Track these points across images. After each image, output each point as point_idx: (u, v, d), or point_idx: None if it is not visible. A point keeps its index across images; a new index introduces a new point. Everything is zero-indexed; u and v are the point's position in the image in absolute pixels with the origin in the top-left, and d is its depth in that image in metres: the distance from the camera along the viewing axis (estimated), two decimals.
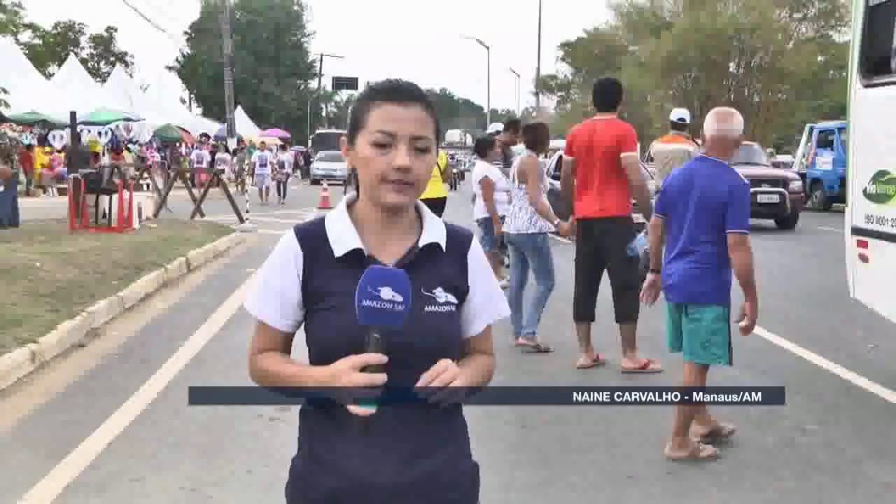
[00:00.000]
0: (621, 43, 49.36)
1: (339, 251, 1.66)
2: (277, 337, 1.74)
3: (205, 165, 24.77)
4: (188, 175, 23.09)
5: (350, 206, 1.74)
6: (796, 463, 4.46)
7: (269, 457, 4.32)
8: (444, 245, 1.72)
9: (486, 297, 1.78)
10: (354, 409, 1.52)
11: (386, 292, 1.50)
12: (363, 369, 1.52)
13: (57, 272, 8.55)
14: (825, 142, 23.36)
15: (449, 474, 1.71)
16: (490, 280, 1.81)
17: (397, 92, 1.65)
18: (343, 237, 1.67)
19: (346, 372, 1.52)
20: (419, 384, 1.55)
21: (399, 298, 1.51)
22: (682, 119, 10.13)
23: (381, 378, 1.51)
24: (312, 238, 1.70)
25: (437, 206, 12.24)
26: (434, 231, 1.72)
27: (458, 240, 1.76)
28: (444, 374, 1.56)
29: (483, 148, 9.18)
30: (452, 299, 1.70)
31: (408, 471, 1.64)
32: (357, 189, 1.75)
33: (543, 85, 60.25)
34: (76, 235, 12.07)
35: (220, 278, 10.47)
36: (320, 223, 1.72)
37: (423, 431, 1.66)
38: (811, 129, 24.34)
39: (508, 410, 5.13)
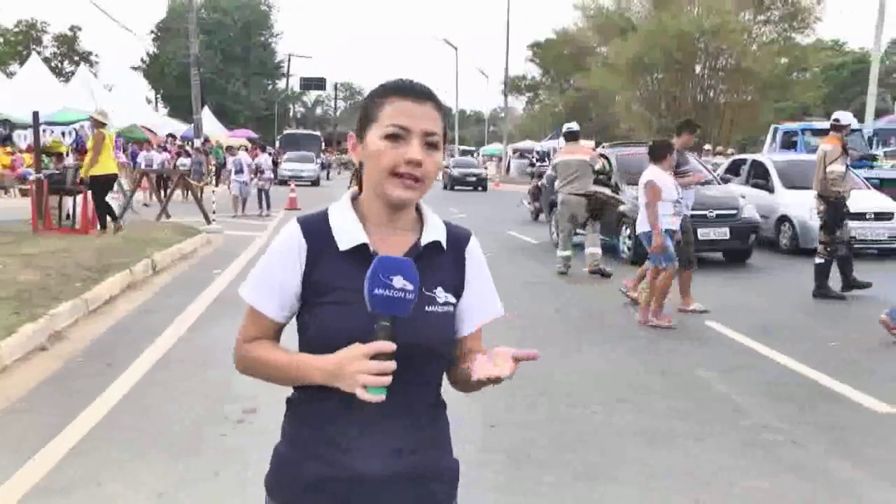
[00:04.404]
0: (589, 44, 49.66)
1: (344, 245, 1.66)
2: (270, 327, 1.73)
3: (154, 167, 24.24)
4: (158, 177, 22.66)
5: (352, 201, 1.74)
6: (763, 461, 4.51)
7: (236, 458, 4.27)
8: (444, 244, 1.73)
9: (480, 296, 1.79)
10: (364, 395, 1.52)
11: (398, 281, 1.51)
12: (373, 358, 1.52)
13: (19, 274, 8.43)
14: (789, 143, 23.61)
15: (434, 468, 1.73)
16: (487, 280, 1.81)
17: (412, 90, 1.67)
18: (348, 231, 1.67)
19: (358, 360, 1.52)
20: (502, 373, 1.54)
21: (410, 287, 1.52)
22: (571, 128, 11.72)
23: (391, 366, 1.52)
24: (317, 230, 1.69)
25: (109, 182, 12.73)
26: (435, 230, 1.73)
27: (457, 239, 1.78)
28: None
29: (659, 152, 8.24)
30: (451, 299, 1.72)
31: (396, 463, 1.66)
32: (360, 185, 1.75)
33: (512, 86, 60.47)
34: (39, 237, 11.91)
35: (187, 280, 10.37)
36: (323, 216, 1.72)
37: (412, 427, 1.68)
38: (775, 129, 24.63)
39: (476, 410, 5.14)
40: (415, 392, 1.65)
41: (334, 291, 1.64)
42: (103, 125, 13.06)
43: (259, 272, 1.73)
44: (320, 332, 1.65)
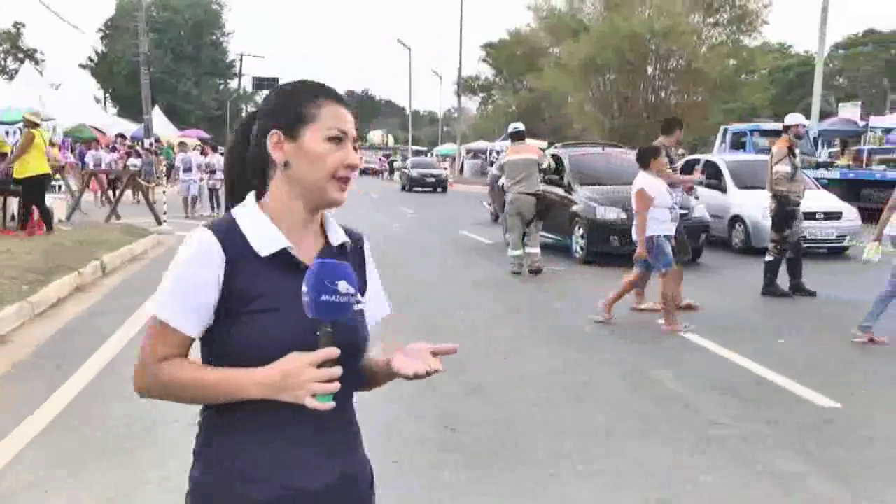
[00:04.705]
0: (542, 45, 49.93)
1: (265, 251, 1.60)
2: (183, 343, 1.63)
3: (103, 167, 23.75)
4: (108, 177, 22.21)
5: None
6: (713, 458, 4.57)
7: (186, 463, 4.20)
8: (348, 245, 1.73)
9: (377, 295, 1.83)
10: (314, 404, 1.49)
11: (342, 286, 1.50)
12: (319, 365, 1.50)
13: None
14: (738, 143, 24.01)
15: (360, 469, 1.74)
16: (378, 280, 1.85)
17: (340, 95, 1.70)
18: (267, 237, 1.61)
19: (304, 369, 1.49)
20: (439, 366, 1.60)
21: (352, 291, 1.51)
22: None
23: (338, 371, 1.51)
24: (230, 237, 1.61)
25: (41, 182, 12.69)
26: (338, 231, 1.74)
27: (357, 240, 1.79)
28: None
29: (645, 158, 8.08)
30: (361, 298, 1.70)
31: (332, 470, 1.64)
32: (257, 189, 1.69)
33: (466, 86, 60.57)
34: None
35: (137, 281, 10.21)
36: (232, 221, 1.64)
37: (340, 430, 1.68)
38: (725, 130, 25.03)
39: (431, 410, 5.14)
40: (343, 394, 1.60)
41: (260, 299, 1.58)
42: (36, 125, 12.88)
43: (172, 286, 1.61)
44: (249, 342, 1.57)
